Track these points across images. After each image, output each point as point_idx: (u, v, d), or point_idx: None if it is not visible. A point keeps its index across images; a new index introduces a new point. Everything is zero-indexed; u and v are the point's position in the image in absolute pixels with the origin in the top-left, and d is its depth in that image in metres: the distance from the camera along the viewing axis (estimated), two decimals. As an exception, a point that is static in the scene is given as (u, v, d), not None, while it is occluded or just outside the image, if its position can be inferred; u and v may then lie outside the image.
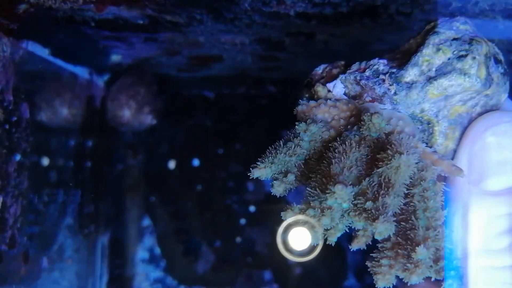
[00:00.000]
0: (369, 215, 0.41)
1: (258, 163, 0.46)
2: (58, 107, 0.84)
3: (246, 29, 0.74)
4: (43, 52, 0.76)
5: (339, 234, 0.44)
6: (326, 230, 0.44)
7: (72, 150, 0.91)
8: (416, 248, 0.41)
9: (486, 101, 0.47)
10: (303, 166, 0.47)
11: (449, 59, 0.45)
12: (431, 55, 0.46)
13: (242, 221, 1.08)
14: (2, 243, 0.66)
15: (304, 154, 0.47)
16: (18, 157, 0.69)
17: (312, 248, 0.49)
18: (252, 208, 1.08)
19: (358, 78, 0.48)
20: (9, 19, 0.62)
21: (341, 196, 0.41)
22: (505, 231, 0.44)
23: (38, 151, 0.77)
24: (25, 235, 0.72)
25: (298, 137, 0.47)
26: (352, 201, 0.42)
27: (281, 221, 0.46)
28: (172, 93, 1.09)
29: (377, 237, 0.42)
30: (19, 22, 0.63)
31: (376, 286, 0.44)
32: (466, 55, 0.45)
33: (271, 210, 1.06)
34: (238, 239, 1.07)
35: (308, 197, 0.43)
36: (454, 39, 0.46)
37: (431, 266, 0.43)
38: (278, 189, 0.46)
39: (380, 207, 0.41)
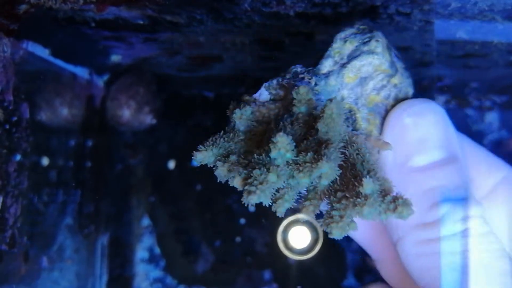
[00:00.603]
0: (312, 161, 0.41)
1: (200, 147, 0.47)
2: (58, 107, 0.84)
3: (246, 29, 0.74)
4: (43, 52, 0.76)
5: (287, 205, 0.44)
6: (274, 202, 0.44)
7: (72, 150, 0.91)
8: (363, 180, 0.41)
9: (396, 93, 0.52)
10: (243, 156, 0.48)
11: (356, 46, 0.52)
12: (340, 47, 0.52)
13: (242, 221, 1.08)
14: (3, 243, 0.66)
15: (242, 143, 0.49)
16: (18, 157, 0.69)
17: (311, 247, 0.49)
18: (252, 208, 1.08)
19: (280, 80, 0.53)
20: (10, 19, 0.62)
21: (283, 144, 0.42)
22: (436, 203, 0.46)
23: (38, 151, 0.77)
24: (25, 235, 0.72)
25: (235, 129, 0.50)
26: (295, 156, 0.43)
27: (280, 220, 0.46)
28: (172, 93, 1.09)
29: (323, 182, 0.42)
30: (20, 22, 0.63)
31: (331, 237, 0.43)
32: (370, 40, 0.51)
33: (271, 210, 1.06)
34: (238, 239, 1.08)
35: (254, 164, 0.44)
36: (357, 33, 0.53)
37: (379, 205, 0.42)
38: (222, 169, 0.47)
39: (321, 153, 0.42)
